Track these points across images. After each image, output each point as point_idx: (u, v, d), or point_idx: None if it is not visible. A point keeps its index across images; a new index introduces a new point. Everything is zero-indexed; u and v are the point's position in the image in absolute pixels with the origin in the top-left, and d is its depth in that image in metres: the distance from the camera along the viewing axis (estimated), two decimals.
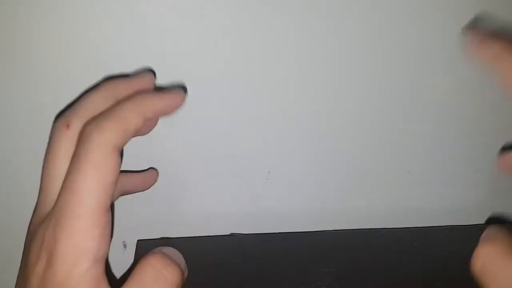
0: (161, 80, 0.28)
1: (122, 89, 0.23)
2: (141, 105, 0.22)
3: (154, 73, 0.26)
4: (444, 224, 0.33)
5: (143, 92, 0.23)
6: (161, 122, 0.29)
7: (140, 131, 0.24)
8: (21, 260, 0.22)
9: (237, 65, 0.28)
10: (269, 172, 0.31)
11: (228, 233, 0.32)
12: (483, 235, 0.21)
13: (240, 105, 0.29)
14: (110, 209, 0.20)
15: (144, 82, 0.24)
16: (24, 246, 0.23)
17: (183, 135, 0.29)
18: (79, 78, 0.27)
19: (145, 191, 0.30)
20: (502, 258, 0.20)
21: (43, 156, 0.29)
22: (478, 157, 0.32)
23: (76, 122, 0.22)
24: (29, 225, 0.23)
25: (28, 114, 0.28)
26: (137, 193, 0.30)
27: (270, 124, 0.30)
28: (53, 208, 0.21)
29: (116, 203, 0.30)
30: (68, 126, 0.22)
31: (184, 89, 0.26)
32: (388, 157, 0.32)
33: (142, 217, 0.31)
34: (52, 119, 0.28)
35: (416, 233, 0.29)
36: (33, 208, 0.30)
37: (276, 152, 0.31)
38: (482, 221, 0.33)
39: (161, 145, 0.29)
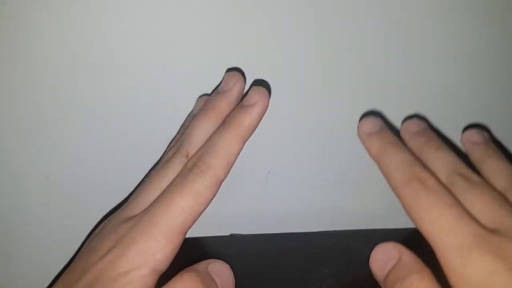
0: (161, 80, 0.28)
1: (224, 109, 0.25)
2: (239, 133, 0.24)
3: (241, 72, 0.27)
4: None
5: (237, 113, 0.25)
6: (160, 121, 0.29)
7: None
8: (86, 245, 0.24)
9: (237, 64, 0.28)
10: (269, 172, 0.31)
11: (228, 234, 0.32)
12: (400, 255, 0.21)
13: None
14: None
15: (237, 91, 0.25)
16: (94, 235, 0.24)
17: None
18: (78, 78, 0.27)
19: None
20: None
21: (42, 155, 0.29)
22: None
23: (193, 152, 0.24)
24: (110, 219, 0.24)
25: (27, 114, 0.28)
26: None
27: (270, 124, 0.30)
28: (142, 213, 0.23)
29: (117, 206, 0.30)
30: (187, 156, 0.24)
31: (264, 85, 0.27)
32: None
33: None
34: (52, 118, 0.28)
35: (416, 234, 0.29)
36: (32, 208, 0.30)
37: (276, 153, 0.31)
38: None
39: (161, 145, 0.29)
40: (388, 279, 0.21)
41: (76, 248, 0.29)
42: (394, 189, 0.22)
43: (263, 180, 0.31)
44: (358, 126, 0.24)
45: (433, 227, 0.20)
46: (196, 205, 0.22)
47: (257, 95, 0.24)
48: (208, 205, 0.23)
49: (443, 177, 0.22)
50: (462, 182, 0.21)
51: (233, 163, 0.24)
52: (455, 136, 0.31)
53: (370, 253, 0.30)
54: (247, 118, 0.24)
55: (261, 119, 0.25)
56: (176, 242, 0.22)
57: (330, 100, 0.29)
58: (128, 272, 0.21)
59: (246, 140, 0.24)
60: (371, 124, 0.24)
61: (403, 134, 0.25)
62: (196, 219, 0.23)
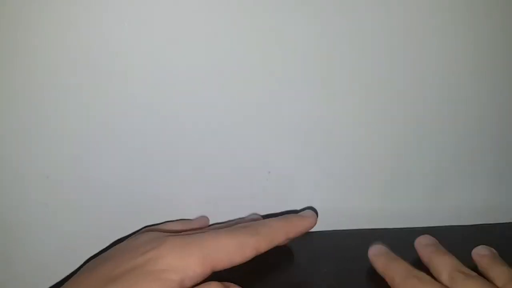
0: (162, 81, 0.28)
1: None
2: (289, 226, 0.28)
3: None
4: (444, 224, 0.33)
5: (295, 216, 0.29)
6: (160, 122, 0.29)
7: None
8: (121, 245, 0.26)
9: (238, 65, 0.28)
10: (269, 172, 0.31)
11: None
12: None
13: (241, 105, 0.29)
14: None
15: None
16: (132, 239, 0.27)
17: (183, 135, 0.29)
18: (79, 78, 0.27)
19: (142, 192, 0.30)
20: None
21: (43, 156, 0.29)
22: (475, 158, 0.32)
23: None
24: (152, 232, 0.27)
25: (28, 114, 0.28)
26: (135, 195, 0.30)
27: (270, 124, 0.30)
28: (192, 233, 0.26)
29: (116, 206, 0.30)
30: None
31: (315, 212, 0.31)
32: (388, 158, 0.32)
33: (141, 217, 0.31)
34: (51, 118, 0.28)
35: (416, 233, 0.29)
36: (32, 208, 0.30)
37: (276, 153, 0.31)
38: (481, 221, 0.33)
39: (161, 145, 0.29)
40: None
41: (76, 248, 0.29)
42: None
43: (263, 180, 0.31)
44: (368, 251, 0.29)
45: None
46: (234, 252, 0.25)
47: (311, 214, 0.29)
48: (240, 263, 0.25)
49: (446, 275, 0.26)
50: (462, 276, 0.25)
51: (274, 246, 0.27)
52: (455, 136, 0.31)
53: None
54: (299, 221, 0.29)
55: (307, 230, 0.29)
56: (206, 270, 0.24)
57: (330, 101, 0.29)
58: (164, 271, 0.23)
59: (289, 238, 0.28)
60: (378, 249, 0.29)
61: (417, 245, 0.29)
62: (226, 266, 0.25)
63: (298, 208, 0.32)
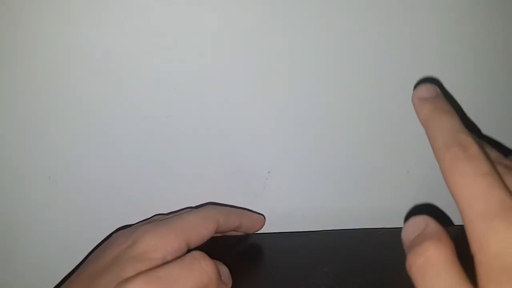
0: (162, 82, 0.28)
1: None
2: (242, 212, 0.31)
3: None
4: (444, 224, 0.33)
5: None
6: (161, 122, 0.29)
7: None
8: (108, 240, 0.27)
9: (238, 65, 0.28)
10: (269, 172, 0.31)
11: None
12: (423, 226, 0.21)
13: (240, 105, 0.29)
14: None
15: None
16: (115, 234, 0.28)
17: (184, 135, 0.29)
18: (80, 79, 0.27)
19: (142, 192, 0.30)
20: (446, 268, 0.19)
21: (44, 156, 0.29)
22: None
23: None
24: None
25: (29, 115, 0.28)
26: (136, 195, 0.30)
27: (270, 124, 0.30)
28: (162, 219, 0.28)
29: (116, 206, 0.30)
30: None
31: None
32: (388, 157, 0.32)
33: (141, 218, 0.31)
34: (52, 118, 0.28)
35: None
36: (33, 208, 0.30)
37: (276, 152, 0.31)
38: None
39: (161, 145, 0.29)
40: (409, 246, 0.21)
41: (76, 248, 0.29)
42: (435, 153, 0.21)
43: (263, 180, 0.31)
44: (413, 92, 0.23)
45: (464, 193, 0.19)
46: (200, 225, 0.27)
47: (261, 217, 0.32)
48: (207, 236, 0.27)
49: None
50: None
51: (230, 222, 0.29)
52: None
53: (369, 252, 0.30)
54: (251, 213, 0.32)
55: (256, 222, 0.32)
56: (182, 245, 0.26)
57: (330, 101, 0.30)
58: (146, 252, 0.24)
59: (242, 223, 0.30)
60: (426, 90, 0.23)
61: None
62: (197, 239, 0.27)
63: (298, 208, 0.32)
